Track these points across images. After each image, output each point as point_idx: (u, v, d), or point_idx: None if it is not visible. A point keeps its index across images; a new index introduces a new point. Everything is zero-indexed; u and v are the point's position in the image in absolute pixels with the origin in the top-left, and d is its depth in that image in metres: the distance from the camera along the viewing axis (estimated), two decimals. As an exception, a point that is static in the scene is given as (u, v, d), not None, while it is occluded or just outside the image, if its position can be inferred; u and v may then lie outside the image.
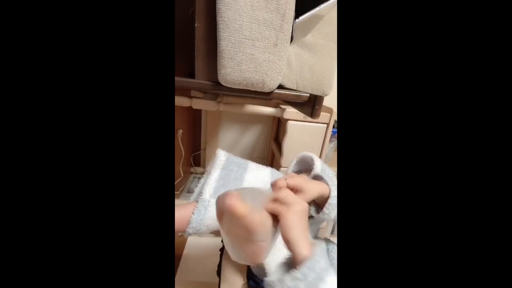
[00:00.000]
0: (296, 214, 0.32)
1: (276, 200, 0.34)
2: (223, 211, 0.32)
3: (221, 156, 0.54)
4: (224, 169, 0.52)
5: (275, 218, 0.37)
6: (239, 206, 0.30)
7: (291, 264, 0.47)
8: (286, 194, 0.34)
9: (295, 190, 0.37)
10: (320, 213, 0.43)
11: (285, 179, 0.38)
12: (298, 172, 0.58)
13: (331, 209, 0.43)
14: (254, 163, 0.57)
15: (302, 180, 0.39)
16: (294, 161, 0.58)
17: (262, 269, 0.44)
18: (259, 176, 0.55)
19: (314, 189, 0.40)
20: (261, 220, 0.33)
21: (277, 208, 0.33)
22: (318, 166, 0.51)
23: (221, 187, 0.49)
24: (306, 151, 0.56)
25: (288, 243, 0.31)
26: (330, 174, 0.52)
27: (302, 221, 0.32)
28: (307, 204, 0.34)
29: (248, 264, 0.40)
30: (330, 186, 0.43)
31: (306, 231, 0.32)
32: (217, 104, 0.90)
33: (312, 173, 0.50)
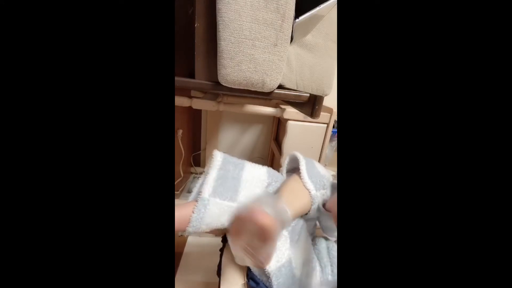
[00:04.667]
0: None
1: None
2: (244, 226, 0.33)
3: (218, 157, 0.55)
4: (221, 169, 0.53)
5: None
6: (272, 224, 0.31)
7: (291, 265, 0.48)
8: None
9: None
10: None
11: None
12: (292, 170, 0.59)
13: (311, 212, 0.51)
14: (251, 162, 0.58)
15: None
16: (287, 160, 0.62)
17: (262, 269, 0.44)
18: (255, 175, 0.56)
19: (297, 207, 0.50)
20: (278, 228, 0.34)
21: None
22: (304, 170, 0.54)
23: (219, 186, 0.50)
24: (298, 152, 0.59)
25: None
26: (317, 178, 0.55)
27: None
28: None
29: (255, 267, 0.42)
30: (312, 198, 0.51)
31: None
32: (217, 104, 0.90)
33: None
